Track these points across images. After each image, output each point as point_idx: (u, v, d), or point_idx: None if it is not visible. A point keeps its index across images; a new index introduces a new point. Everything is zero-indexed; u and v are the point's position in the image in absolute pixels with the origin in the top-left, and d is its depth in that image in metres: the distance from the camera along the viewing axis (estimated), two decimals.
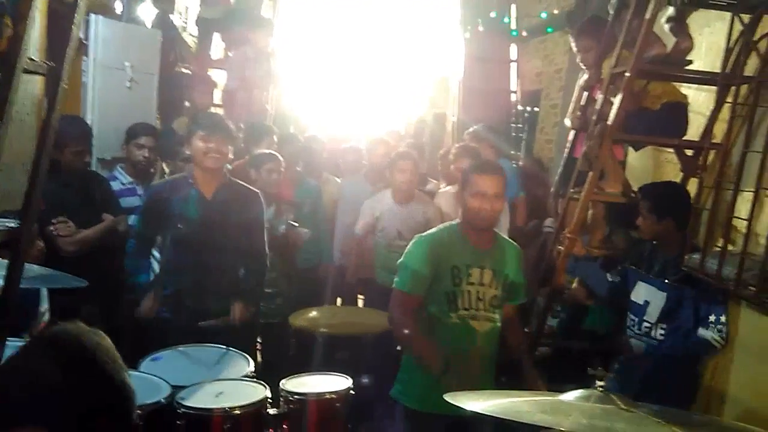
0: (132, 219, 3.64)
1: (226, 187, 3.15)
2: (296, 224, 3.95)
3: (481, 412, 1.48)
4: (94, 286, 3.10)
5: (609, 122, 3.31)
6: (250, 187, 3.31)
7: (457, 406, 1.54)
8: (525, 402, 1.48)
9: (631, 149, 4.01)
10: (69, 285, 2.22)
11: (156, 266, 3.39)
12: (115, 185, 3.74)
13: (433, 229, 2.62)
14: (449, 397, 1.54)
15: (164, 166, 4.22)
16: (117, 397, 1.07)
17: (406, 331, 2.43)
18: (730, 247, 2.93)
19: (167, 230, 3.10)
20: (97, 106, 4.15)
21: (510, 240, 2.75)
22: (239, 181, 3.28)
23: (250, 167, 3.95)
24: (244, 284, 3.21)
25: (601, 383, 1.47)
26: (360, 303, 4.53)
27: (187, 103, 5.04)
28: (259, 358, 3.76)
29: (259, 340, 3.89)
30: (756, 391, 2.80)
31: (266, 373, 2.76)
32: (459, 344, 2.41)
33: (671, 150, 3.72)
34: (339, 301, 4.58)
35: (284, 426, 2.40)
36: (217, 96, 5.67)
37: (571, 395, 1.48)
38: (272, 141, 4.33)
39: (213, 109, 5.26)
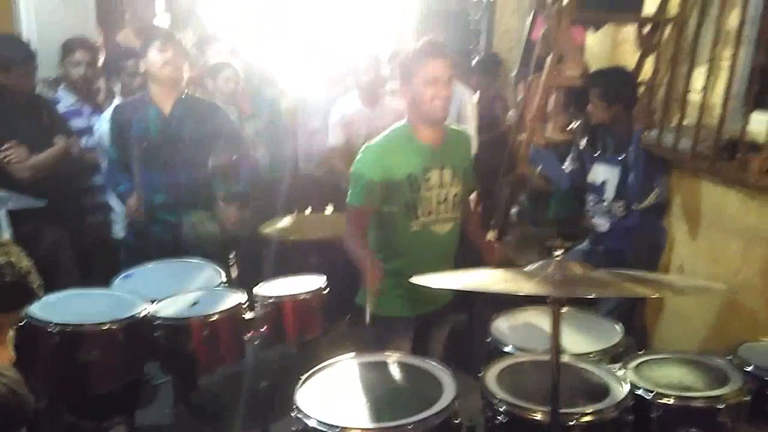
0: (84, 141, 3.54)
1: (183, 102, 3.10)
2: None
3: (445, 287, 1.52)
4: (57, 211, 3.07)
5: (565, 1, 3.24)
6: (207, 100, 3.23)
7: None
8: (486, 276, 1.53)
9: (590, 32, 3.95)
10: (26, 205, 2.17)
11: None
12: (60, 107, 3.59)
13: (381, 136, 2.37)
14: (415, 279, 1.57)
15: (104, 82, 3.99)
16: None
17: (355, 249, 2.30)
18: (685, 122, 2.97)
19: (134, 150, 3.06)
20: (33, 23, 3.92)
21: (457, 128, 2.58)
22: (196, 96, 3.20)
23: (206, 77, 3.80)
24: (236, 187, 3.30)
25: (558, 252, 1.52)
26: (330, 210, 4.54)
27: (127, 14, 4.77)
28: (234, 271, 3.79)
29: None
30: (712, 258, 2.94)
31: (242, 284, 2.79)
32: (419, 251, 2.34)
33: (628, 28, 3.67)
34: (309, 210, 4.59)
35: (263, 329, 2.45)
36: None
37: (532, 266, 1.53)
38: (222, 48, 4.16)
39: (157, 18, 5.00)
